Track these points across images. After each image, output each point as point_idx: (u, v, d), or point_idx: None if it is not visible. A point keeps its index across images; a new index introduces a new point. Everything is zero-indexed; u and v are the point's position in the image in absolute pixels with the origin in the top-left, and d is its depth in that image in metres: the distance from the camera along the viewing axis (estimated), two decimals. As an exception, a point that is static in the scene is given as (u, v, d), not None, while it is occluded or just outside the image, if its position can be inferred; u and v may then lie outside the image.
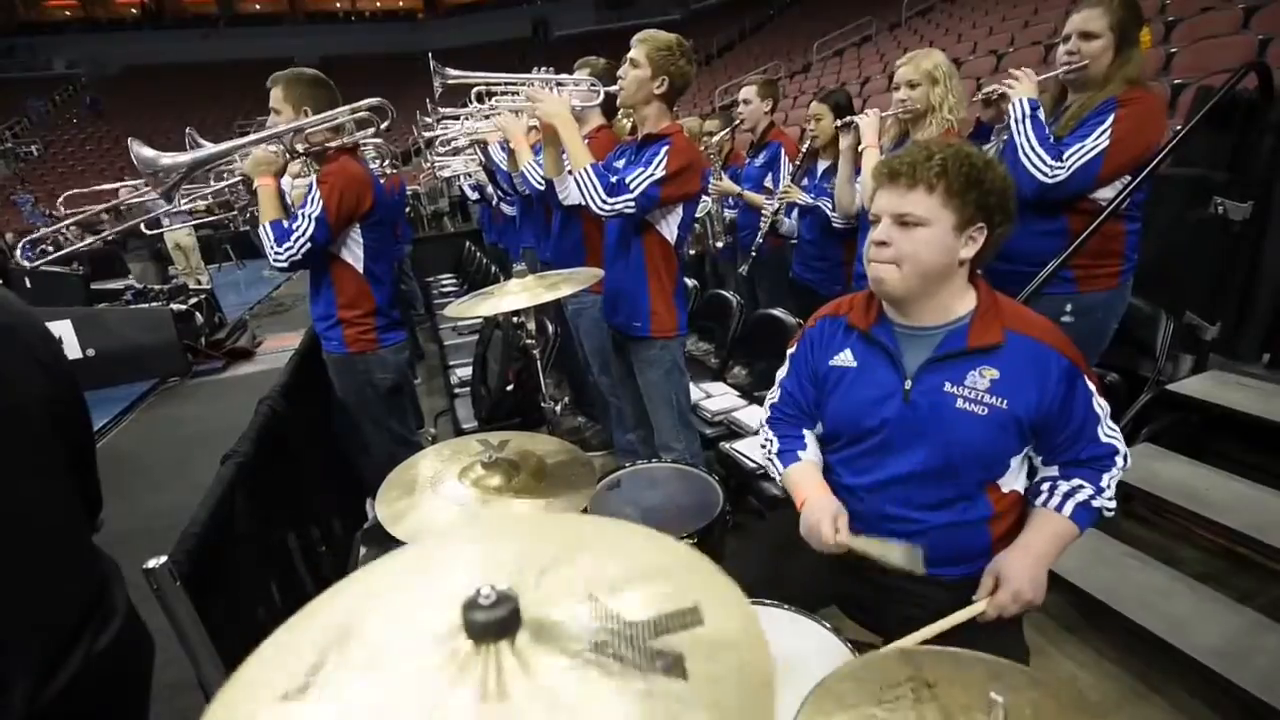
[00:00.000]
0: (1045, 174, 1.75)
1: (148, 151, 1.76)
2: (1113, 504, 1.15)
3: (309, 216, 1.90)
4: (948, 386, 1.12)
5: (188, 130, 1.95)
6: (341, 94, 2.08)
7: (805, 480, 1.26)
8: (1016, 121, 1.82)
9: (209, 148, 1.88)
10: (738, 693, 0.39)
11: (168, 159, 1.79)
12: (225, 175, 2.16)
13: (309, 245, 1.91)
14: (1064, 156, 1.74)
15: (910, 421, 1.15)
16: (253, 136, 1.95)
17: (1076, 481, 1.15)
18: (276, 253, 1.91)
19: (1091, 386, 1.13)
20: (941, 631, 1.02)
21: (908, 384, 1.15)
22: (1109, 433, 1.15)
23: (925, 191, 1.08)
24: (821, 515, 1.16)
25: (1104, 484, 1.14)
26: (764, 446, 1.36)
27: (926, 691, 0.73)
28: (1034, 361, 1.10)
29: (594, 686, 0.39)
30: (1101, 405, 1.14)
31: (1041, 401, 1.09)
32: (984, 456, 1.13)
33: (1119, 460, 1.16)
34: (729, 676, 0.39)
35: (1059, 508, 1.14)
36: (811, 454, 1.30)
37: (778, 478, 1.32)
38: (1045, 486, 1.17)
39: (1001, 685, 0.72)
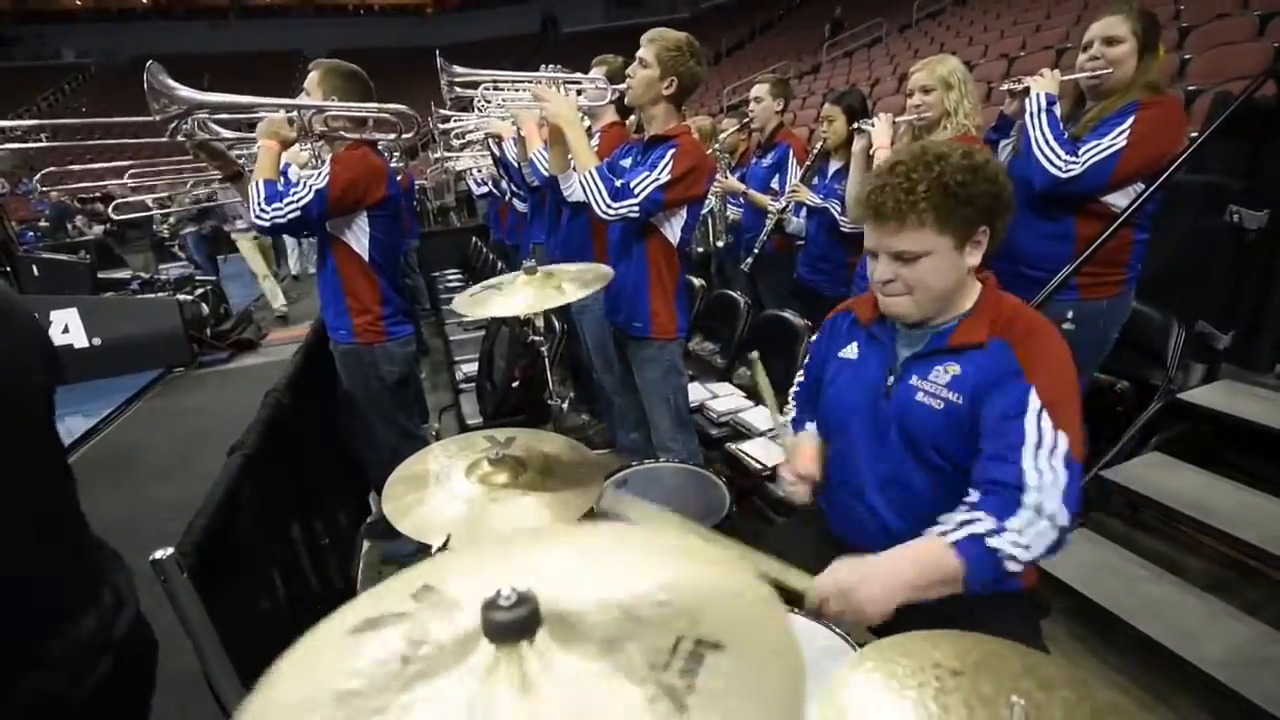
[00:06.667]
0: (1059, 168, 1.74)
1: (168, 78, 1.74)
2: (1016, 555, 0.94)
3: (311, 188, 1.89)
4: (914, 379, 1.13)
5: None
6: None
7: (802, 443, 1.30)
8: (1032, 115, 1.81)
9: (226, 95, 1.87)
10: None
11: (185, 91, 1.76)
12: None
13: (299, 214, 1.88)
14: (1079, 152, 1.73)
15: (885, 414, 1.16)
16: (274, 100, 1.94)
17: (979, 514, 0.98)
18: (261, 210, 1.87)
19: (1036, 402, 1.00)
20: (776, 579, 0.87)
21: (890, 379, 1.17)
22: (1036, 465, 0.97)
23: (915, 227, 1.04)
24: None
25: (1009, 525, 0.95)
26: (784, 411, 1.41)
27: (951, 681, 0.71)
28: (1001, 370, 1.05)
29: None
30: (1043, 430, 0.99)
31: (987, 402, 1.04)
32: (945, 452, 1.10)
33: (1025, 499, 0.96)
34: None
35: (944, 532, 0.98)
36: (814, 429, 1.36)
37: (787, 439, 1.34)
38: (943, 517, 1.03)
39: (1033, 681, 0.70)
